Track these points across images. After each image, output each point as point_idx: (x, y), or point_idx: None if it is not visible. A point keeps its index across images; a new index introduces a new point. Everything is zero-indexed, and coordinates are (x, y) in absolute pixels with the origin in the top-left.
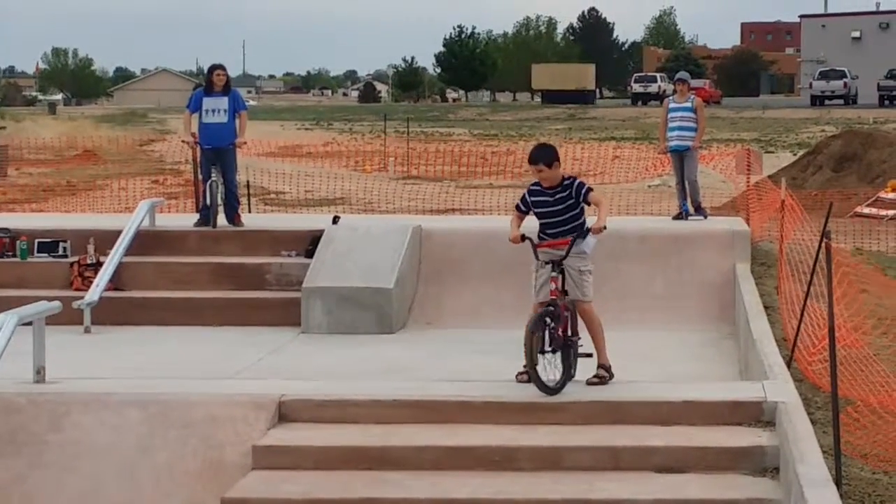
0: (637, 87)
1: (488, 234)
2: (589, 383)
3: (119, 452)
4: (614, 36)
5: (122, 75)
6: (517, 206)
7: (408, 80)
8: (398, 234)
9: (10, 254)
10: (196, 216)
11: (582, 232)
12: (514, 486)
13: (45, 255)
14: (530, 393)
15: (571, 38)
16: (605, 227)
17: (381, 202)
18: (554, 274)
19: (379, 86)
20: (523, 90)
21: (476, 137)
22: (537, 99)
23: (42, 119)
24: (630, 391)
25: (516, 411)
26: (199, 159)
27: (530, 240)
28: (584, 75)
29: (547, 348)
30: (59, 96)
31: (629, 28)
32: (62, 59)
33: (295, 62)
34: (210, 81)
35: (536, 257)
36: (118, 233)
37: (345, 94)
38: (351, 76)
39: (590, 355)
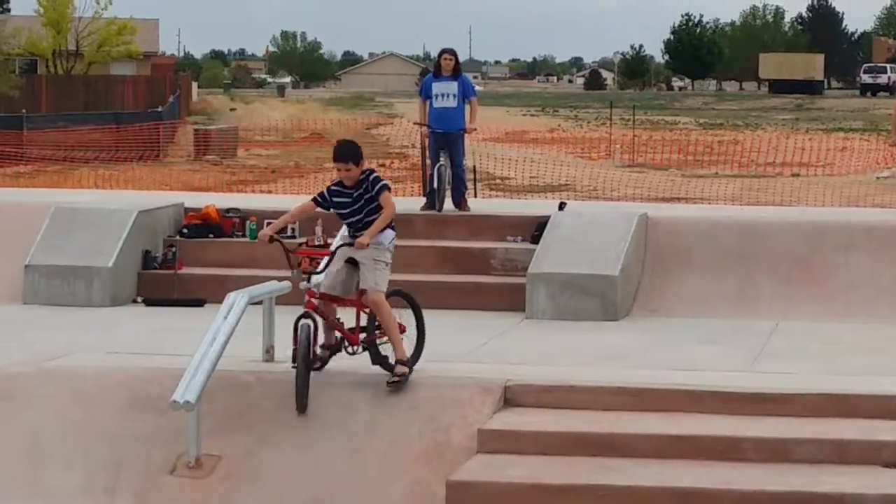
0: (866, 78)
1: (714, 223)
2: (389, 384)
3: (346, 432)
4: (843, 26)
5: (350, 59)
6: (314, 198)
7: (634, 67)
8: (624, 221)
9: (239, 234)
10: (423, 200)
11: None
12: (738, 476)
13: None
14: (756, 384)
15: (799, 27)
16: (367, 244)
17: (606, 189)
18: (308, 285)
19: (604, 73)
20: (750, 79)
21: (702, 126)
22: (764, 88)
23: (271, 101)
24: (858, 384)
25: (742, 401)
26: (427, 143)
27: (280, 242)
28: (812, 65)
29: (315, 366)
30: (288, 79)
31: (859, 18)
32: (291, 43)
33: (521, 48)
34: (438, 65)
35: (288, 262)
36: None
37: (570, 81)
38: (576, 63)
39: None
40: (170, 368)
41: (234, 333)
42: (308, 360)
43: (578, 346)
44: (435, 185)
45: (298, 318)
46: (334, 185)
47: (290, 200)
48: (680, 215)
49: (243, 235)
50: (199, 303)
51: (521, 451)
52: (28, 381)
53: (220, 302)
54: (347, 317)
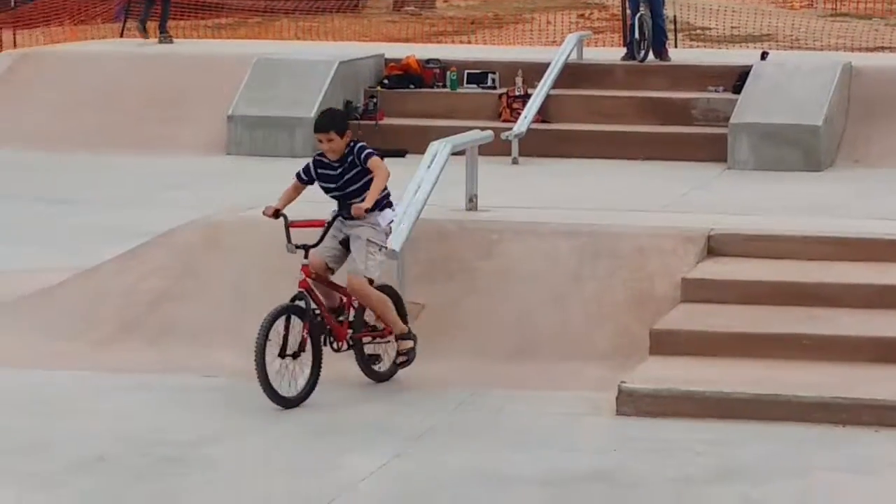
0: None
1: None
2: (397, 364)
3: (549, 281)
4: None
5: None
6: (297, 174)
7: None
8: (827, 70)
9: (440, 84)
10: (623, 50)
11: (380, 203)
12: None
13: (475, 86)
14: None
15: None
16: (368, 209)
17: (809, 39)
18: (305, 261)
19: None
20: None
21: None
22: None
23: None
24: None
25: None
26: None
27: (284, 217)
28: None
29: (287, 352)
30: None
31: None
32: None
33: None
34: None
35: (288, 239)
36: (545, 65)
37: None
38: None
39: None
40: None
41: (436, 183)
42: (263, 350)
43: (781, 196)
44: (636, 35)
45: (293, 298)
46: (318, 155)
47: (490, 51)
48: (885, 65)
49: (444, 86)
50: (400, 153)
51: (724, 300)
52: (231, 229)
53: (421, 152)
54: None
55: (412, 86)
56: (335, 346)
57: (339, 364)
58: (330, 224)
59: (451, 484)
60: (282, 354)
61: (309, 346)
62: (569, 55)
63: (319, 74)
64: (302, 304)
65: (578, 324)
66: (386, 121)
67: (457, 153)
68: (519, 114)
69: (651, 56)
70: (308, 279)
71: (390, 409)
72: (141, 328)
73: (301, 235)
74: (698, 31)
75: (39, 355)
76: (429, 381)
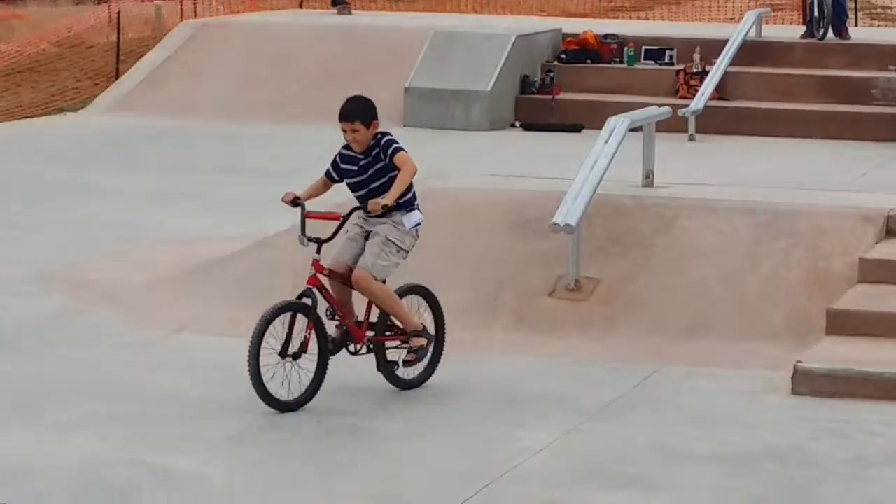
0: None
1: None
2: (405, 363)
3: (725, 258)
4: None
5: None
6: (327, 170)
7: None
8: None
9: (617, 60)
10: (802, 28)
11: (406, 203)
12: None
13: (652, 62)
14: None
15: None
16: (385, 205)
17: None
18: (316, 256)
19: None
20: None
21: None
22: None
23: None
24: None
25: None
26: None
27: (302, 206)
28: None
29: (288, 352)
30: None
31: None
32: None
33: None
34: None
35: (302, 230)
36: (724, 42)
37: None
38: None
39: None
40: (549, 192)
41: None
42: (258, 347)
43: None
44: (815, 12)
45: (299, 295)
46: (344, 147)
47: (668, 27)
48: None
49: (621, 61)
50: (576, 128)
51: None
52: None
53: (597, 127)
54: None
55: (589, 61)
56: (352, 348)
57: (512, 337)
58: (345, 219)
59: (623, 460)
60: (282, 354)
61: (312, 348)
62: (747, 32)
63: (496, 48)
64: (308, 301)
65: (754, 302)
66: (562, 95)
67: (633, 129)
68: (696, 90)
69: (831, 34)
70: (319, 275)
71: (568, 383)
72: None
73: (316, 228)
74: (879, 10)
75: (218, 322)
76: (603, 356)
